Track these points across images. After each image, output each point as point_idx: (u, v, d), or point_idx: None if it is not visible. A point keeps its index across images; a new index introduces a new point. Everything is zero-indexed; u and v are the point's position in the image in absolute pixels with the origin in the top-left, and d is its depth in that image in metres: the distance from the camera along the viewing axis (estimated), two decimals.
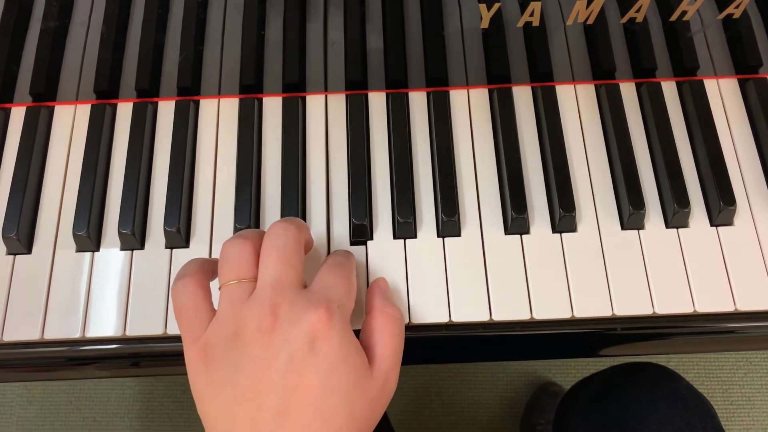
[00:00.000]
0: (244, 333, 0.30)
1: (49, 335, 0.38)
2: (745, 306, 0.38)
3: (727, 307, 0.38)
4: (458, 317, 0.38)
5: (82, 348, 0.39)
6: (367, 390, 0.31)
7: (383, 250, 0.40)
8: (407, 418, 1.06)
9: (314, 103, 0.44)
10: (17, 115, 0.44)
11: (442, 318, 0.38)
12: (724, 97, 0.44)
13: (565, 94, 0.44)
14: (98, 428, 1.08)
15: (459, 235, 0.40)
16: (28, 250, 0.40)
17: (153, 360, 0.40)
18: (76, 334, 0.38)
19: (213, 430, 0.30)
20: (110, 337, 0.38)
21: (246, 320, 0.30)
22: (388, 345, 0.33)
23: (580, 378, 0.64)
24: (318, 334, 0.29)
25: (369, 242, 0.40)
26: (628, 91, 0.44)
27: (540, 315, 0.38)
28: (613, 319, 0.39)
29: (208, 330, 0.31)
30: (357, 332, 0.33)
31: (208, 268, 0.33)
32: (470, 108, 0.44)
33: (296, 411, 0.29)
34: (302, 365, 0.29)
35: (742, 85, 0.45)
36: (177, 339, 0.39)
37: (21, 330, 0.38)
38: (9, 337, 0.38)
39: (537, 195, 0.41)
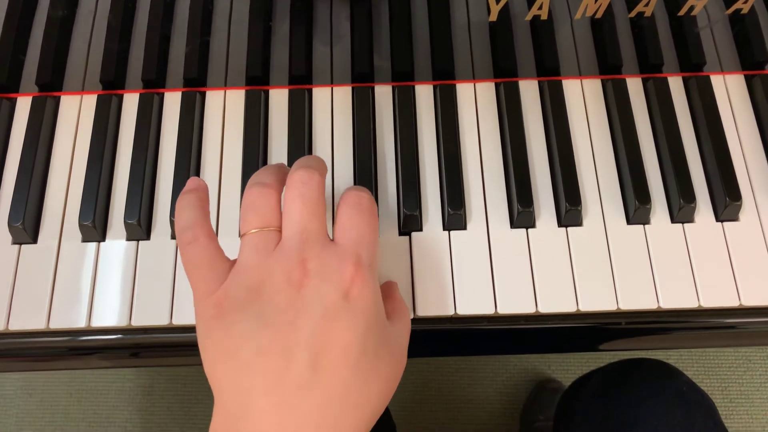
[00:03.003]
0: (270, 285, 0.29)
1: (55, 325, 0.38)
2: (749, 301, 0.38)
3: (732, 303, 0.39)
4: (463, 310, 0.38)
5: (83, 338, 0.39)
6: (391, 355, 0.30)
7: (389, 243, 0.40)
8: (408, 414, 1.06)
9: (320, 95, 0.44)
10: (23, 105, 0.43)
11: (447, 311, 0.38)
12: (730, 92, 0.44)
13: (571, 88, 0.44)
14: (98, 421, 1.08)
15: (465, 228, 0.40)
16: (34, 239, 0.40)
17: (155, 350, 0.40)
18: (82, 324, 0.38)
19: (226, 388, 0.28)
20: (114, 327, 0.38)
21: (273, 272, 0.29)
22: (405, 334, 0.33)
23: (579, 374, 0.65)
24: (351, 291, 0.29)
25: None
26: (634, 86, 0.44)
27: (545, 309, 0.38)
28: (618, 314, 0.39)
29: (228, 280, 0.29)
30: None
31: (208, 214, 0.32)
32: (477, 101, 0.44)
33: (331, 367, 0.28)
34: (335, 321, 0.28)
35: (749, 81, 0.45)
36: (181, 329, 0.39)
37: (27, 319, 0.38)
38: (15, 326, 0.38)
39: (543, 189, 0.41)
